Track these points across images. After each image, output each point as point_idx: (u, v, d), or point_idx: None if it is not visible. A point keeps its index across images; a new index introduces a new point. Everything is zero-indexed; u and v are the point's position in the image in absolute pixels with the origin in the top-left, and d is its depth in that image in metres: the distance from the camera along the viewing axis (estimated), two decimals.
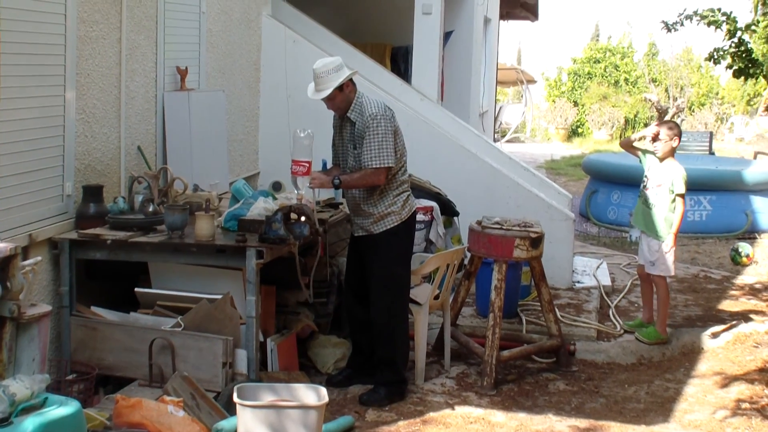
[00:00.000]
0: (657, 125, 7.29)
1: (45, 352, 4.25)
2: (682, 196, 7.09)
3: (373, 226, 5.86)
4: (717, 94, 30.72)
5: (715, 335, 7.32)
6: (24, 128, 5.16)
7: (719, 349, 7.15)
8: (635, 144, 7.51)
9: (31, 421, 3.60)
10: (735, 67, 9.15)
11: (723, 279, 9.51)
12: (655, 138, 7.17)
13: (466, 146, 8.92)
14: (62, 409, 3.75)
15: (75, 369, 5.29)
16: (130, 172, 6.24)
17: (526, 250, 6.45)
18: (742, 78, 9.42)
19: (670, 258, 7.16)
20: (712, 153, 15.70)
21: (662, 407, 6.03)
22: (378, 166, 5.68)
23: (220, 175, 7.52)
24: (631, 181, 7.49)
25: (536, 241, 6.48)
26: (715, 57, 9.20)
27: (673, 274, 7.40)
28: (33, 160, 5.27)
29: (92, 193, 5.70)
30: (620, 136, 25.43)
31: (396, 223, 5.87)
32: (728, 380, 6.46)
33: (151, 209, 5.75)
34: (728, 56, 9.13)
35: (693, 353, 7.12)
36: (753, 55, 9.07)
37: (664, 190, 7.12)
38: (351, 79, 5.78)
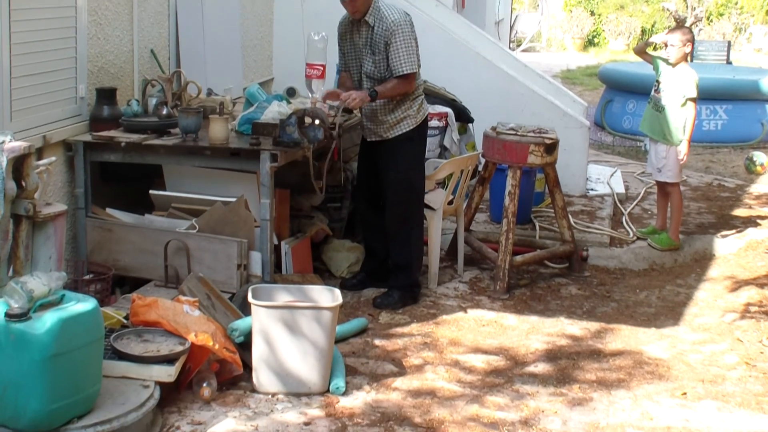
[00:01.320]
0: (668, 32, 7.20)
1: (61, 251, 4.28)
2: (694, 100, 7.04)
3: (388, 132, 5.84)
4: (736, 3, 30.11)
5: (724, 236, 7.34)
6: (36, 29, 5.12)
7: (731, 256, 7.18)
8: (649, 51, 7.45)
9: (49, 317, 3.64)
10: None
11: (737, 188, 9.48)
12: (668, 44, 7.11)
13: (481, 53, 8.81)
14: (80, 305, 3.79)
15: (91, 270, 5.35)
16: (143, 75, 6.22)
17: (541, 156, 6.43)
18: None
19: (677, 164, 7.14)
20: (729, 63, 15.51)
21: (672, 311, 6.09)
22: (409, 71, 5.67)
23: (234, 81, 7.48)
24: (647, 91, 7.42)
25: (551, 148, 6.46)
26: None
27: (680, 180, 7.38)
28: (45, 61, 5.25)
29: (106, 95, 5.69)
30: None
31: (411, 128, 5.85)
32: (739, 285, 6.50)
33: (165, 112, 5.73)
34: None
35: (704, 259, 7.15)
36: None
37: (675, 93, 7.07)
38: None
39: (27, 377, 3.61)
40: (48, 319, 3.63)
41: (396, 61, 5.64)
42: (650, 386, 4.85)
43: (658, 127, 7.19)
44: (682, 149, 7.08)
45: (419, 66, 5.80)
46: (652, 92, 7.28)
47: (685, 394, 4.76)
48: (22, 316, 3.62)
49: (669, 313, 6.06)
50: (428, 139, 6.36)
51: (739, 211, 8.43)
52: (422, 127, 5.97)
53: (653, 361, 5.19)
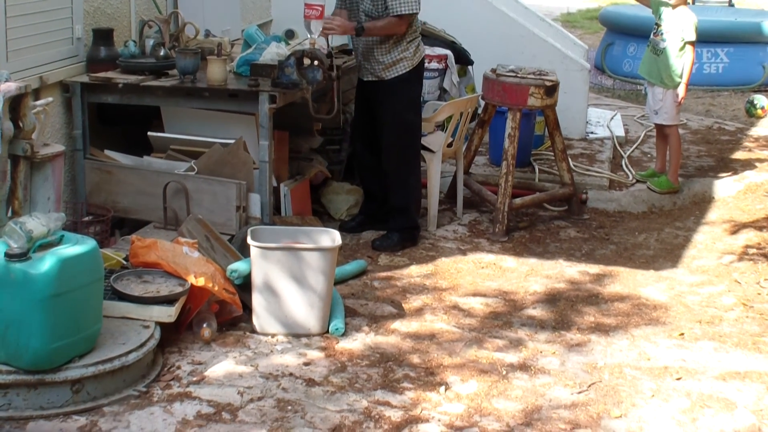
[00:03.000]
0: None
1: (60, 192, 4.27)
2: (692, 44, 7.00)
3: (385, 72, 5.80)
4: None
5: (724, 179, 7.35)
6: None
7: (730, 199, 7.18)
8: None
9: (48, 257, 3.64)
10: None
11: (737, 131, 9.45)
12: None
13: None
14: (79, 246, 3.79)
15: (91, 211, 5.34)
16: (140, 16, 6.16)
17: (541, 99, 6.39)
18: None
19: (674, 106, 7.12)
20: (731, 5, 15.35)
21: (671, 254, 6.10)
22: (407, 12, 5.59)
23: (232, 22, 7.42)
24: (648, 34, 7.36)
25: (551, 90, 6.42)
26: None
27: (677, 123, 7.36)
28: (41, 0, 5.18)
29: (102, 36, 5.63)
30: None
31: (407, 69, 5.81)
32: (737, 227, 6.51)
33: (162, 53, 5.68)
34: None
35: (704, 202, 7.15)
36: None
37: (674, 36, 7.02)
38: None
39: (28, 316, 3.63)
40: (47, 260, 3.63)
41: (393, 0, 5.57)
42: (648, 328, 4.88)
43: (656, 70, 7.15)
44: (680, 92, 7.05)
45: (419, 9, 5.72)
46: (651, 35, 7.23)
47: (682, 334, 4.79)
48: (22, 257, 3.62)
49: (667, 255, 6.07)
50: (428, 82, 6.33)
51: (739, 155, 8.41)
52: (418, 69, 5.92)
53: (651, 303, 5.21)
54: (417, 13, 5.69)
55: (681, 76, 7.04)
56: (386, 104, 5.84)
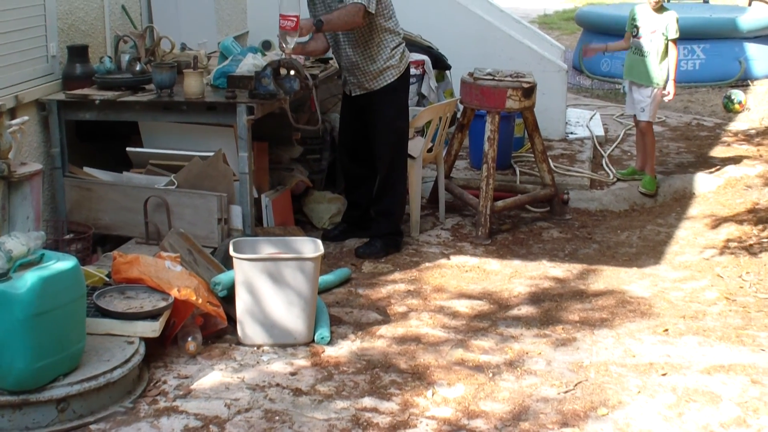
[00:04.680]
0: None
1: (39, 211, 4.27)
2: (675, 41, 7.05)
3: (372, 83, 5.80)
4: None
5: (704, 175, 7.39)
6: None
7: (710, 194, 7.22)
8: None
9: (29, 276, 3.63)
10: None
11: (715, 126, 9.50)
12: None
13: None
14: (60, 263, 3.78)
15: (72, 229, 5.32)
16: (115, 31, 6.14)
17: (519, 101, 6.41)
18: None
19: (657, 104, 7.18)
20: (706, 1, 15.43)
21: (654, 250, 6.13)
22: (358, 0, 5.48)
23: (208, 34, 7.41)
24: (624, 33, 7.40)
25: (528, 91, 6.44)
26: None
27: (655, 119, 7.41)
28: (14, 19, 5.16)
29: (77, 53, 5.62)
30: None
31: (395, 77, 5.81)
32: (718, 222, 6.55)
33: (138, 68, 5.66)
34: None
35: (684, 198, 7.19)
36: None
37: (658, 36, 7.07)
38: None
39: (10, 337, 3.61)
40: (28, 279, 3.62)
41: None
42: (632, 324, 4.90)
43: (645, 71, 7.16)
44: (670, 88, 7.08)
45: (385, 7, 5.67)
46: (633, 38, 7.24)
47: (666, 330, 4.81)
48: (2, 276, 3.61)
49: (650, 252, 6.10)
50: None
51: (718, 150, 8.46)
52: (405, 76, 5.94)
53: (635, 300, 5.23)
54: (370, 13, 5.54)
55: (668, 74, 7.08)
56: (377, 114, 5.85)
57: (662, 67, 7.10)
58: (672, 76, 7.11)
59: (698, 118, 9.92)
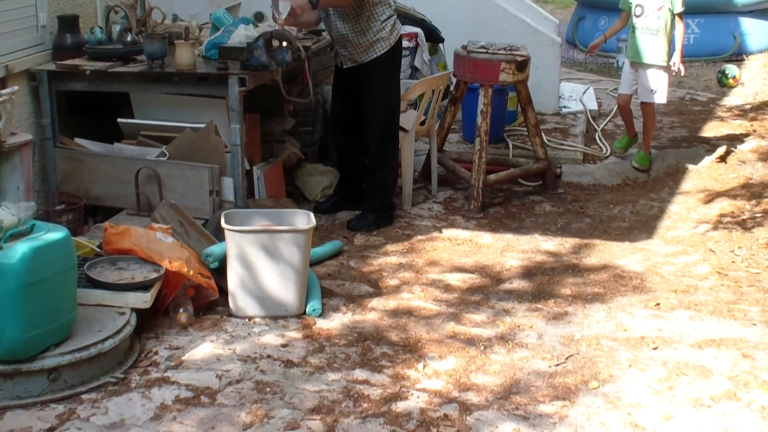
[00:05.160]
0: None
1: (29, 181, 4.24)
2: (680, 15, 6.95)
3: (363, 55, 5.77)
4: None
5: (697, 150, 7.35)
6: None
7: (703, 169, 7.22)
8: None
9: (20, 246, 3.61)
10: None
11: (709, 101, 9.49)
12: None
13: None
14: (50, 234, 3.76)
15: (63, 200, 5.30)
16: (106, 1, 6.09)
17: (512, 74, 6.39)
18: None
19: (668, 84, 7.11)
20: None
21: (646, 225, 6.13)
22: None
23: (200, 6, 7.36)
24: (618, 7, 7.31)
25: (522, 65, 6.41)
26: None
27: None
28: None
29: (68, 23, 5.57)
30: None
31: (385, 50, 5.78)
32: (711, 197, 6.56)
33: (129, 39, 5.62)
34: None
35: (678, 173, 7.19)
36: None
37: (665, 12, 6.93)
38: None
39: (1, 307, 3.59)
40: (19, 249, 3.60)
41: None
42: (624, 299, 4.90)
43: (657, 51, 6.97)
44: (675, 59, 6.97)
45: None
46: (636, 18, 7.05)
47: (658, 304, 4.82)
48: None
49: (642, 226, 6.10)
50: None
51: (712, 125, 8.45)
52: (396, 49, 5.90)
53: (627, 275, 5.23)
54: None
55: (675, 49, 6.98)
56: (368, 86, 5.82)
57: (672, 43, 6.99)
58: (679, 48, 6.97)
59: (692, 92, 9.91)
